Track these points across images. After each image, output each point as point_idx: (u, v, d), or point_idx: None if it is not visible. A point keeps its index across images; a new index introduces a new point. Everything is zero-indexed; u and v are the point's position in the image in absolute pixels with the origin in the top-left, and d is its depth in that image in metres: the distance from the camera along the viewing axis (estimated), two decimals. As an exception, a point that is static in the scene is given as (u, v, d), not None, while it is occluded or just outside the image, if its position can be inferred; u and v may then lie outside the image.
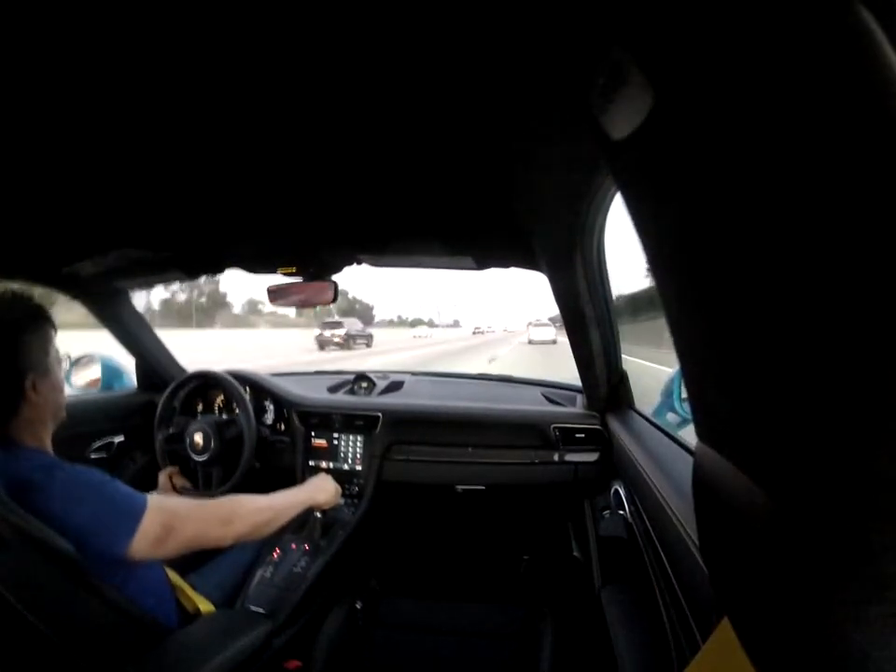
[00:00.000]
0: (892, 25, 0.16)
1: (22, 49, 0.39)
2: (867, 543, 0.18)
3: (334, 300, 1.17)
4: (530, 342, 19.91)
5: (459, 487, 1.33)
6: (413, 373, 1.77)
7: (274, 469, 1.38)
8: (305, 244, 1.03)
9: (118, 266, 1.11)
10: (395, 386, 1.61)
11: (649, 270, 0.32)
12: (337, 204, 0.81)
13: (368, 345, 18.92)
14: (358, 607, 1.25)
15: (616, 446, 1.14)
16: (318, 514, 1.18)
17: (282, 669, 0.96)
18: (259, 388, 1.44)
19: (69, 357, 1.56)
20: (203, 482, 1.29)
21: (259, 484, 1.14)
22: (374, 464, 1.34)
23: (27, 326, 0.73)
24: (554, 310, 1.11)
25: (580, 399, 1.39)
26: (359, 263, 1.11)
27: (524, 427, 1.30)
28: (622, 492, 1.00)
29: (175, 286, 1.37)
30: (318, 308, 1.33)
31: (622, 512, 0.96)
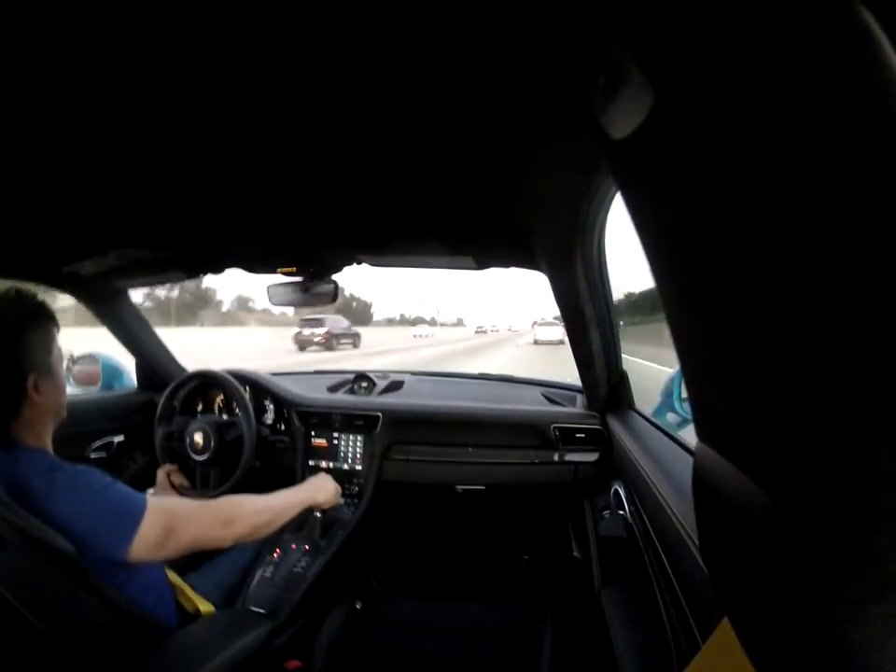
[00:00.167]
0: (892, 25, 0.16)
1: (23, 49, 0.39)
2: (867, 543, 0.18)
3: (334, 299, 1.17)
4: (536, 342, 19.19)
5: (459, 487, 1.33)
6: (414, 373, 1.77)
7: (274, 469, 1.38)
8: (305, 244, 1.03)
9: (118, 266, 1.11)
10: (395, 386, 1.61)
11: (649, 270, 0.32)
12: (337, 204, 0.81)
13: (354, 346, 17.07)
14: (358, 607, 1.25)
15: (616, 446, 1.14)
16: (318, 514, 1.18)
17: (282, 669, 0.96)
18: (258, 388, 1.44)
19: (71, 356, 1.56)
20: (202, 481, 1.29)
21: (258, 484, 1.14)
22: (374, 464, 1.34)
23: (29, 324, 0.72)
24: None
25: (580, 398, 1.39)
26: (359, 263, 1.11)
27: (524, 427, 1.30)
28: (622, 492, 0.99)
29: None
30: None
31: (622, 512, 0.96)
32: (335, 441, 1.39)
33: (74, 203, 0.78)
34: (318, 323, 15.69)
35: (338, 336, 16.20)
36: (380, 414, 1.36)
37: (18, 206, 0.78)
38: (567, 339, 1.21)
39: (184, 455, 1.29)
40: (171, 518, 0.72)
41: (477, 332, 44.27)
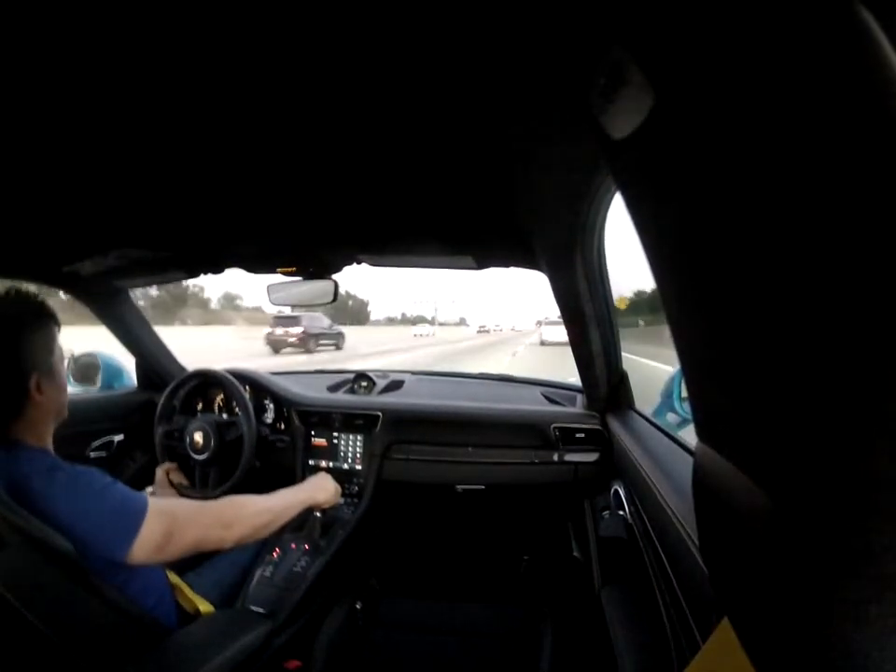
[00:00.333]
0: (892, 25, 0.16)
1: (23, 49, 0.39)
2: (867, 543, 0.18)
3: (334, 299, 1.17)
4: (543, 343, 17.88)
5: (459, 487, 1.33)
6: (414, 372, 1.77)
7: (274, 469, 1.38)
8: (305, 244, 1.03)
9: (118, 265, 1.11)
10: (395, 385, 1.61)
11: (649, 270, 0.32)
12: (337, 204, 0.81)
13: (337, 347, 15.30)
14: (358, 607, 1.25)
15: (616, 446, 1.14)
16: (318, 514, 1.18)
17: (282, 669, 0.96)
18: (258, 387, 1.45)
19: (72, 356, 1.56)
20: (201, 481, 1.29)
21: (258, 483, 1.14)
22: (374, 463, 1.34)
23: (31, 324, 0.72)
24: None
25: (580, 398, 1.39)
26: (359, 263, 1.11)
27: (524, 427, 1.30)
28: (622, 492, 1.00)
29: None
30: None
31: (621, 513, 0.96)
32: (335, 441, 1.39)
33: (74, 203, 0.78)
34: (293, 321, 13.71)
35: (316, 336, 14.32)
36: (380, 414, 1.36)
37: (18, 206, 0.78)
38: None
39: (184, 454, 1.29)
40: (171, 521, 0.71)
41: (479, 332, 43.66)
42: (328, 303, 1.19)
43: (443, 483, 1.33)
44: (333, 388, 1.62)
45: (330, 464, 1.38)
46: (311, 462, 1.39)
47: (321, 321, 15.12)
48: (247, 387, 1.39)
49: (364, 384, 1.60)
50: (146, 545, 0.68)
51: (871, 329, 0.17)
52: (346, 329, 17.86)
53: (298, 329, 13.59)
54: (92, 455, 1.35)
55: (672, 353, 0.32)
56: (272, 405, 1.44)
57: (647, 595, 0.75)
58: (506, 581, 1.49)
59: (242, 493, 0.88)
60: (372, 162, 0.63)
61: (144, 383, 1.56)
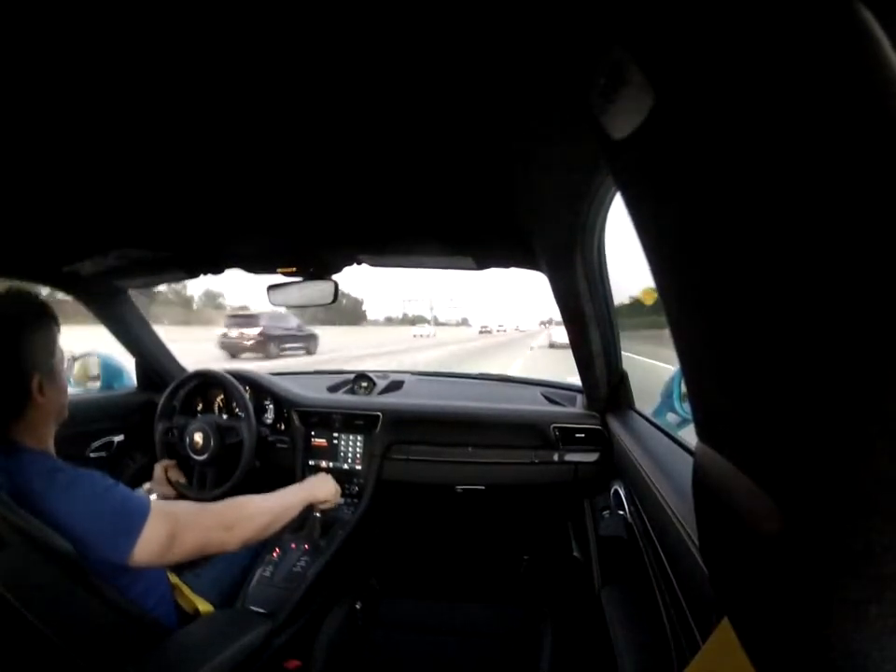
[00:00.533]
0: (892, 25, 0.16)
1: (23, 49, 0.39)
2: (867, 543, 0.18)
3: (335, 300, 1.17)
4: (552, 345, 16.65)
5: (459, 487, 1.33)
6: (413, 373, 1.77)
7: (274, 469, 1.38)
8: (305, 244, 1.03)
9: (118, 265, 1.11)
10: (395, 386, 1.61)
11: (649, 270, 0.32)
12: (337, 204, 0.81)
13: (308, 352, 13.10)
14: (358, 607, 1.25)
15: (616, 446, 1.14)
16: (318, 514, 1.18)
17: (282, 669, 0.96)
18: (258, 388, 1.45)
19: (72, 356, 1.56)
20: (199, 481, 1.29)
21: (258, 483, 1.14)
22: (374, 463, 1.34)
23: (32, 324, 0.71)
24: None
25: (580, 398, 1.39)
26: (359, 263, 1.11)
27: (523, 427, 1.30)
28: (621, 492, 1.00)
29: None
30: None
31: (621, 512, 0.96)
32: (335, 441, 1.39)
33: (74, 203, 0.78)
34: (249, 321, 11.71)
35: (278, 339, 12.01)
36: (380, 414, 1.36)
37: (18, 206, 0.78)
38: None
39: (183, 454, 1.29)
40: (174, 524, 0.71)
41: (481, 332, 42.88)
42: (328, 304, 1.18)
43: (443, 484, 1.34)
44: (333, 389, 1.62)
45: (330, 464, 1.38)
46: (311, 462, 1.39)
47: (286, 321, 12.61)
48: (248, 388, 1.39)
49: (364, 384, 1.61)
50: (148, 547, 0.68)
51: (870, 328, 0.17)
52: (338, 330, 16.67)
53: (254, 331, 11.49)
54: (92, 455, 1.35)
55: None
56: (272, 406, 1.44)
57: (647, 595, 0.75)
58: (506, 581, 1.49)
59: (242, 493, 0.88)
60: (373, 163, 0.63)
61: (144, 383, 1.56)
